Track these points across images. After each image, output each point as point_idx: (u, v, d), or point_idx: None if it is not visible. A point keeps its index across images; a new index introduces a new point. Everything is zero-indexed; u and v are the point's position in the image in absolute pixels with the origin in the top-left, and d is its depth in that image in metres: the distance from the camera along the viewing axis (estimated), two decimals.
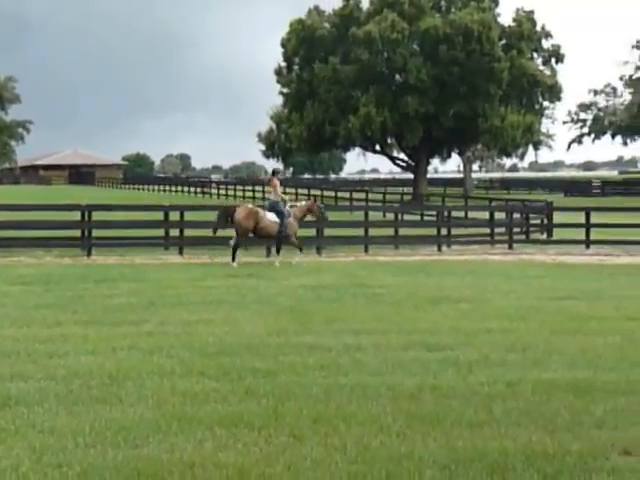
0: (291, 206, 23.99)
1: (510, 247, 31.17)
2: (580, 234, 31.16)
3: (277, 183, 23.93)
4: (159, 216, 28.50)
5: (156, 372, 9.17)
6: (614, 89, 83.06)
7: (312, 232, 29.67)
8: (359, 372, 9.39)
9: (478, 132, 64.59)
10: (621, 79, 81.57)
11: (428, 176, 78.04)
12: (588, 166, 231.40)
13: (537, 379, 9.08)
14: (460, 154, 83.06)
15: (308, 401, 8.08)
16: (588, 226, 31.25)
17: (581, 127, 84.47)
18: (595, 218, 32.44)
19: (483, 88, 62.10)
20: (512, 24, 66.50)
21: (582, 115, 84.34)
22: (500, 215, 34.47)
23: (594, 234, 31.26)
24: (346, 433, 7.08)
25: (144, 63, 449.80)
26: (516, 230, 33.65)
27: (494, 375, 9.27)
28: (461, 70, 61.34)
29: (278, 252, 23.53)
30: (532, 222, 35.23)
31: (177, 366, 9.48)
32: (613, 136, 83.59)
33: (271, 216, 23.04)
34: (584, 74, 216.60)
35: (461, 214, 38.71)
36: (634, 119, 78.59)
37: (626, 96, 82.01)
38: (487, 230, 33.10)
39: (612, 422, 7.49)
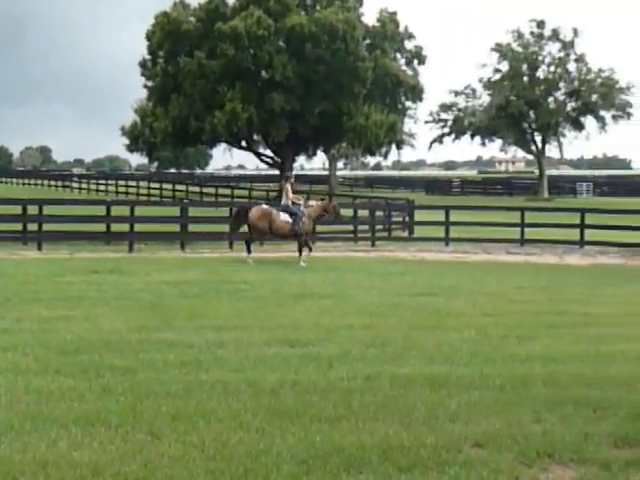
0: (307, 206, 24.30)
1: (373, 244, 31.67)
2: (440, 232, 31.89)
3: (288, 188, 24.24)
4: (17, 210, 27.77)
5: (10, 370, 8.92)
6: (473, 90, 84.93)
7: (176, 228, 29.49)
8: (220, 368, 9.35)
9: (343, 130, 65.23)
10: (480, 81, 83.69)
11: (294, 173, 78.38)
12: (449, 165, 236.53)
13: (395, 374, 9.22)
14: (325, 152, 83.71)
15: (167, 398, 8.00)
16: (448, 224, 32.05)
17: (442, 127, 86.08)
18: (454, 216, 33.26)
19: (348, 87, 62.74)
20: (376, 24, 67.49)
21: (443, 115, 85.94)
22: (364, 213, 34.99)
23: (453, 232, 32.04)
24: (205, 430, 7.04)
25: (1, 50, 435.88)
26: (379, 227, 34.22)
27: (354, 370, 9.37)
28: (326, 68, 61.81)
29: (300, 252, 23.71)
30: (394, 220, 35.87)
31: (32, 364, 9.24)
32: (472, 136, 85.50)
33: (284, 216, 23.55)
34: (445, 75, 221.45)
35: None
36: (492, 120, 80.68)
37: (485, 98, 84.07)
38: (351, 227, 33.54)
39: (466, 415, 7.67)
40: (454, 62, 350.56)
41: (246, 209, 24.71)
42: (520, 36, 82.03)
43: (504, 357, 10.38)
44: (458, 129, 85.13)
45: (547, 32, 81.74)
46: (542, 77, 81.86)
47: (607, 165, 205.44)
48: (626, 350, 10.95)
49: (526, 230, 31.83)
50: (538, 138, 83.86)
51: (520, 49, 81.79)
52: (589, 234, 30.96)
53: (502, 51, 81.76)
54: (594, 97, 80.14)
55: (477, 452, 6.72)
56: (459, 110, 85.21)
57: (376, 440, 6.86)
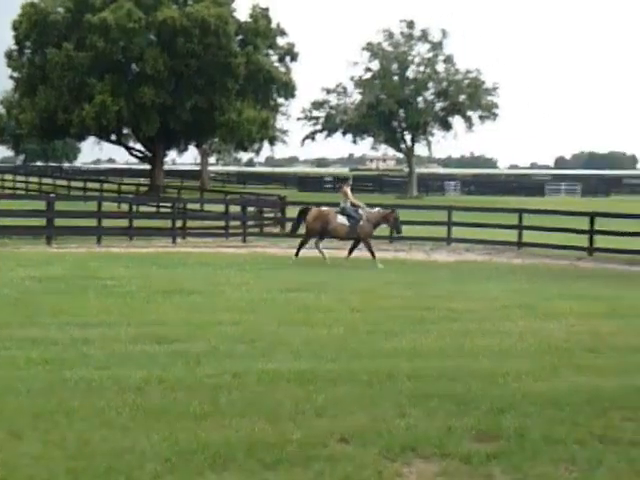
0: (372, 212, 24.22)
1: (244, 240, 31.59)
2: None
3: (347, 190, 24.29)
4: None
5: None
6: (345, 89, 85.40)
7: (42, 222, 28.84)
8: (85, 366, 9.17)
9: (215, 125, 64.85)
10: (352, 79, 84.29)
11: (165, 168, 77.65)
12: (321, 162, 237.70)
13: (263, 370, 9.22)
14: (197, 147, 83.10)
15: (28, 396, 7.80)
16: None
17: (314, 124, 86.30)
18: None
19: (220, 82, 62.42)
20: (248, 20, 67.35)
21: (315, 113, 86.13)
22: (236, 208, 34.89)
23: None
24: (67, 428, 6.89)
25: None
26: (250, 223, 34.18)
27: (222, 366, 9.33)
28: (198, 63, 61.34)
29: (350, 253, 24.00)
30: (266, 216, 35.90)
31: None
32: (344, 134, 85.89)
33: (341, 219, 23.72)
34: (318, 73, 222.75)
35: (197, 207, 38.85)
36: (363, 118, 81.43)
37: (356, 96, 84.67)
38: (222, 223, 33.42)
39: (332, 410, 7.72)
40: (326, 60, 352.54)
41: (308, 209, 24.79)
42: (391, 36, 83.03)
43: (371, 352, 10.50)
44: (330, 126, 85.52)
45: (417, 33, 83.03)
46: (412, 77, 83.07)
47: (474, 164, 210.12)
48: (489, 345, 11.21)
49: None
50: (408, 137, 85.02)
51: (391, 49, 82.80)
52: (456, 231, 31.61)
53: (373, 50, 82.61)
54: (461, 97, 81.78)
55: (342, 447, 6.77)
56: (331, 108, 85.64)
57: (242, 436, 6.84)
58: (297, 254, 23.88)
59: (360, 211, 24.07)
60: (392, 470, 6.36)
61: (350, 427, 7.20)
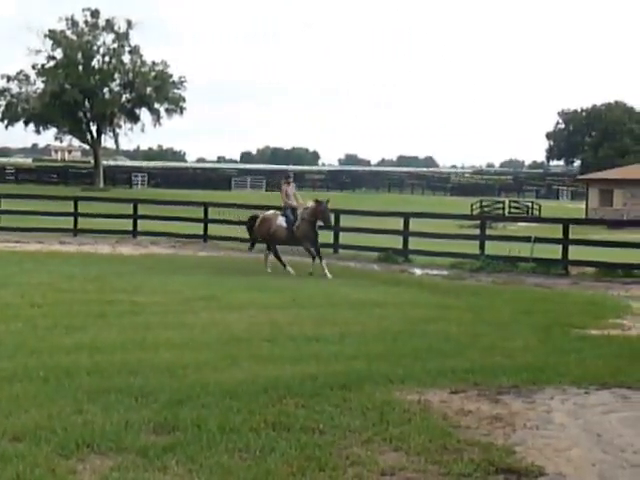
0: (305, 209, 21.91)
1: None
2: None
3: (284, 189, 22.40)
4: None
5: None
6: (27, 77, 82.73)
7: None
8: None
9: None
10: (34, 67, 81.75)
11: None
12: (3, 152, 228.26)
13: None
14: None
15: None
16: None
17: None
18: (7, 205, 32.35)
19: None
20: None
21: None
22: None
23: (5, 221, 31.10)
24: None
25: None
26: None
27: None
28: None
29: (314, 259, 21.73)
30: None
31: None
32: (26, 123, 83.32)
33: (281, 221, 22.05)
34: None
35: None
36: (46, 108, 79.27)
37: (39, 84, 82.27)
38: None
39: (5, 409, 7.51)
40: (7, 46, 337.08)
41: (256, 217, 23.02)
42: (74, 24, 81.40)
43: (50, 348, 10.28)
44: (11, 115, 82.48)
45: (102, 22, 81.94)
46: (97, 67, 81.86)
47: (163, 157, 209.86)
48: (171, 337, 11.30)
49: (80, 220, 31.64)
50: (94, 128, 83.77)
51: (75, 37, 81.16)
52: (142, 224, 31.47)
53: (56, 38, 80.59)
54: (148, 90, 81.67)
55: (14, 446, 6.60)
56: (12, 96, 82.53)
57: None
58: (281, 262, 22.20)
59: (298, 211, 22.21)
60: (66, 467, 6.26)
61: (24, 425, 7.03)
